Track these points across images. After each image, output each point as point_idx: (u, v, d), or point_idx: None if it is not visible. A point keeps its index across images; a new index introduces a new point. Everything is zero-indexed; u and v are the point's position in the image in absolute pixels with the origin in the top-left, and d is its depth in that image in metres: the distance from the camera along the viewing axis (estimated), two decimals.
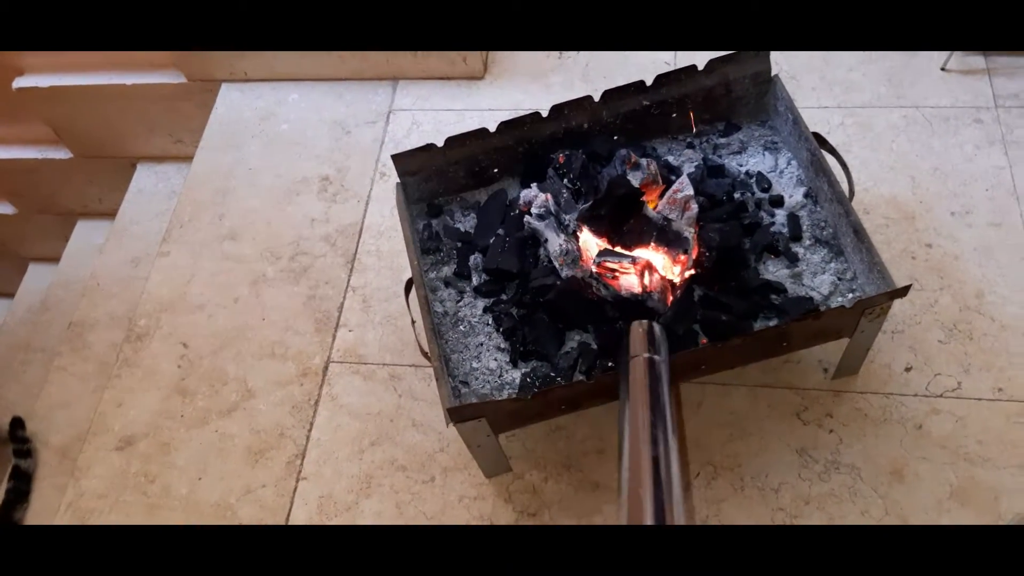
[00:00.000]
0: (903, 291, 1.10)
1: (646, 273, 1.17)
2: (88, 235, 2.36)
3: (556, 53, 1.81)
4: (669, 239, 1.19)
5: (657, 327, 1.08)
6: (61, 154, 2.18)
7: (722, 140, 1.41)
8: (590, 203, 1.21)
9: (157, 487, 1.41)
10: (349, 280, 1.59)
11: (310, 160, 1.77)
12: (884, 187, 1.55)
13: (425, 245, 1.36)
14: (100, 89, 1.93)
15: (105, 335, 1.84)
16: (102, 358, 1.79)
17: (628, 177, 1.23)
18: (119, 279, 1.94)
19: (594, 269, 1.19)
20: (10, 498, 1.56)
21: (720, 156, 1.39)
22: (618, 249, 1.20)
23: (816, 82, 1.69)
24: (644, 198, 1.20)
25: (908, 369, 1.36)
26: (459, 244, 1.36)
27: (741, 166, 1.38)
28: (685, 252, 1.19)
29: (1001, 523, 1.22)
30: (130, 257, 1.98)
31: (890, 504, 1.26)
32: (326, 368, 1.49)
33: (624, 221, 1.19)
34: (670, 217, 1.21)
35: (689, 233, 1.20)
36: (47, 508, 1.53)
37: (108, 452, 1.46)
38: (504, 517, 1.30)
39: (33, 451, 1.67)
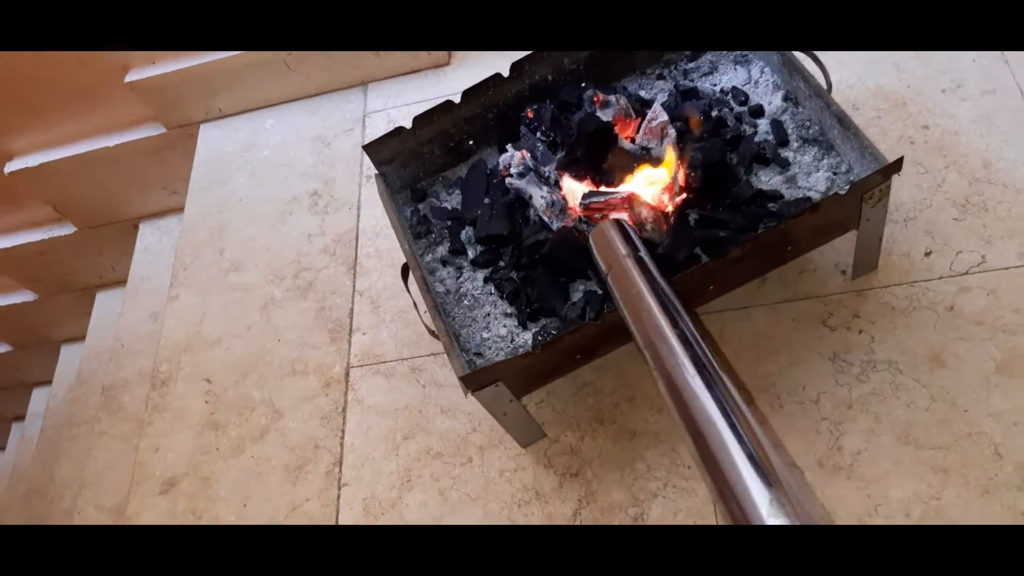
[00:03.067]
0: (896, 166, 1.06)
1: (634, 205, 1.15)
2: (109, 305, 2.40)
3: None
4: (651, 167, 1.17)
5: (624, 223, 1.05)
6: (66, 230, 2.22)
7: (691, 65, 1.38)
8: (565, 149, 1.19)
9: (206, 521, 1.42)
10: (354, 285, 1.59)
11: (297, 179, 1.78)
12: (869, 80, 1.51)
13: (416, 230, 1.35)
14: (87, 156, 1.96)
15: (138, 392, 1.86)
16: (138, 415, 1.81)
17: (599, 115, 1.21)
18: (141, 336, 1.97)
19: (581, 213, 1.17)
20: None
21: (692, 80, 1.36)
22: (602, 188, 1.18)
23: None
24: (618, 131, 1.18)
25: (928, 253, 1.32)
26: (449, 222, 1.35)
27: (715, 85, 1.35)
28: (669, 177, 1.17)
29: None
30: (148, 313, 2.01)
31: (935, 391, 1.21)
32: (347, 374, 1.49)
33: (602, 159, 1.17)
34: (649, 146, 1.19)
35: (671, 157, 1.17)
36: None
37: (154, 498, 1.48)
38: (547, 482, 1.28)
39: None
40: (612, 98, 1.23)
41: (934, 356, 1.24)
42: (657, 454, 1.27)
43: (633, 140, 1.21)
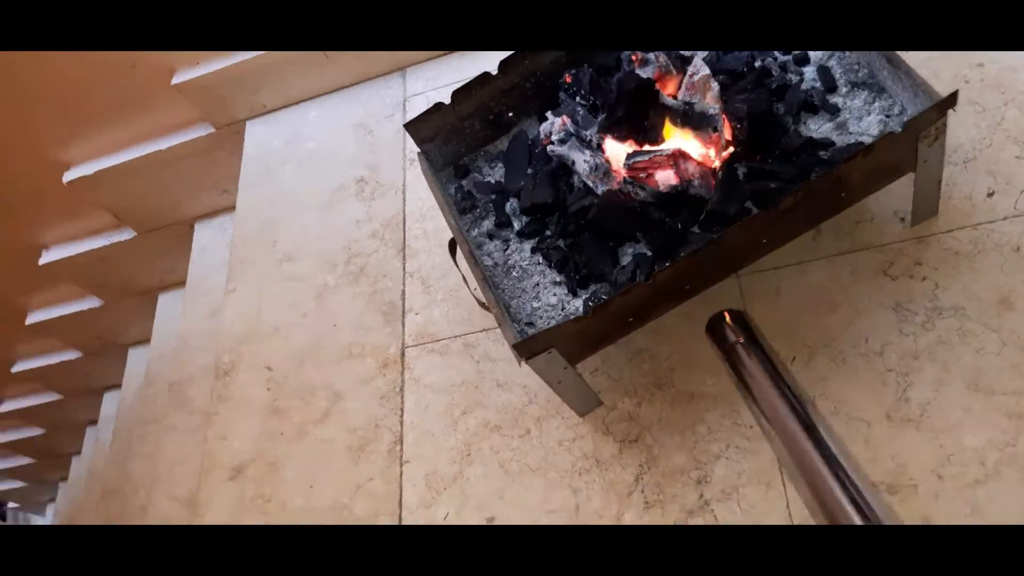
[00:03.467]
0: (951, 100, 1.02)
1: (680, 162, 1.13)
2: (171, 306, 2.46)
3: None
4: (696, 122, 1.15)
5: (732, 312, 1.09)
6: (126, 235, 2.29)
7: None
8: (606, 111, 1.18)
9: (274, 505, 1.45)
10: (404, 267, 1.60)
11: (342, 167, 1.80)
12: None
13: (461, 206, 1.35)
14: (141, 161, 2.01)
15: (203, 386, 1.91)
16: (204, 408, 1.86)
17: (638, 73, 1.19)
18: (203, 333, 2.02)
19: (626, 174, 1.16)
20: None
21: None
22: (646, 147, 1.16)
23: None
24: (659, 88, 1.16)
25: (991, 194, 1.27)
26: (493, 196, 1.35)
27: None
28: (715, 130, 1.14)
29: None
30: (208, 311, 2.05)
31: (1006, 335, 1.17)
32: (403, 354, 1.50)
33: (644, 117, 1.15)
34: (692, 101, 1.17)
35: (715, 110, 1.15)
36: None
37: (223, 483, 1.51)
38: (607, 450, 1.28)
39: None
40: (651, 55, 1.21)
41: (1002, 299, 1.19)
42: (718, 416, 1.25)
43: (675, 97, 1.19)
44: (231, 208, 2.19)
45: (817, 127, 1.20)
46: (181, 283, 2.42)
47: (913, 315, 1.22)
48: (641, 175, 1.15)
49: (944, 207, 1.27)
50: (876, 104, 1.18)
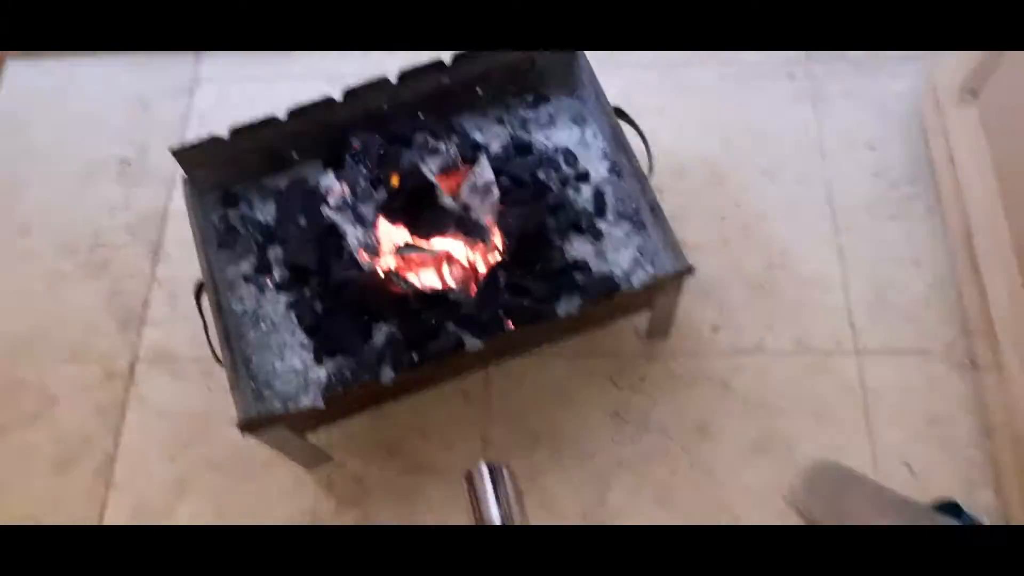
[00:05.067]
0: (689, 271, 1.13)
1: (445, 265, 1.15)
2: None
3: None
4: (468, 228, 1.18)
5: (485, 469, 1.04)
6: None
7: (531, 113, 1.39)
8: (385, 197, 1.18)
9: None
10: (154, 272, 1.50)
11: (107, 140, 1.64)
12: (698, 147, 1.57)
13: (222, 238, 1.29)
14: None
15: None
16: None
17: (427, 163, 1.19)
18: None
19: (393, 265, 1.17)
20: None
21: (529, 131, 1.37)
22: (417, 242, 1.17)
23: None
24: (443, 185, 1.17)
25: (715, 329, 1.42)
26: (260, 237, 1.30)
27: (548, 139, 1.36)
28: (483, 240, 1.18)
29: (796, 468, 1.29)
30: None
31: (695, 458, 1.32)
32: (133, 368, 1.42)
33: (420, 213, 1.16)
34: (470, 204, 1.19)
35: (489, 220, 1.18)
36: None
37: None
38: (325, 506, 1.30)
39: None
40: (443, 146, 1.22)
41: (701, 427, 1.34)
42: (440, 493, 1.30)
43: (456, 194, 1.21)
44: None
45: (580, 247, 1.27)
46: None
47: (625, 424, 1.34)
48: (405, 267, 1.16)
49: (676, 331, 1.40)
50: (634, 239, 1.28)
